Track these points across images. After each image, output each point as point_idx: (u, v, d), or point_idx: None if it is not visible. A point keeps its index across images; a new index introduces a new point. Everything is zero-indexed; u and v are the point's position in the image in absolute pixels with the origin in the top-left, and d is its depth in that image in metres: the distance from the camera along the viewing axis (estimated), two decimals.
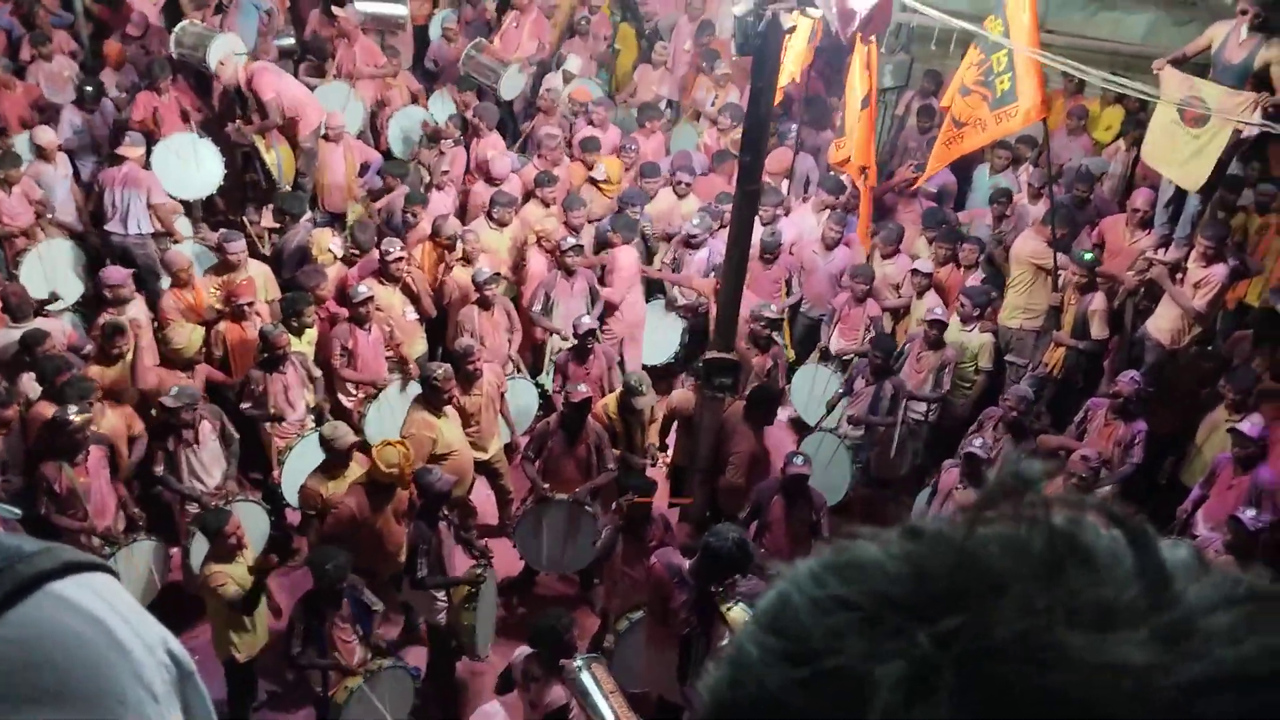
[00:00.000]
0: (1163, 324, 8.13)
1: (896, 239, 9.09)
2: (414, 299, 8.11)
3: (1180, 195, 8.31)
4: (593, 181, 9.70)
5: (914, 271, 8.73)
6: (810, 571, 0.57)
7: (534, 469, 6.97)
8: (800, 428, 8.24)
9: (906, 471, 8.17)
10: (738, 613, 4.86)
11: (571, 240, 8.40)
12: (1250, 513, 6.36)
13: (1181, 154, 7.62)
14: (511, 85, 10.97)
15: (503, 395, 7.57)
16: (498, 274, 8.16)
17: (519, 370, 8.29)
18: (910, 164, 9.96)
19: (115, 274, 7.48)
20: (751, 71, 6.41)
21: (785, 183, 9.93)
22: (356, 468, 6.47)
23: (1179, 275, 8.05)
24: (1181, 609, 0.52)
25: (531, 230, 8.94)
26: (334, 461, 6.43)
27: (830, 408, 7.86)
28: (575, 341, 7.77)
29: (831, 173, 9.53)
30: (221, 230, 8.49)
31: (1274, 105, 7.17)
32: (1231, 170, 8.21)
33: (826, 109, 10.89)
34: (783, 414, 8.82)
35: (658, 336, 9.07)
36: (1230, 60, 7.54)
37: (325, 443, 6.45)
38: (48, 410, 6.22)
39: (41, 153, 8.75)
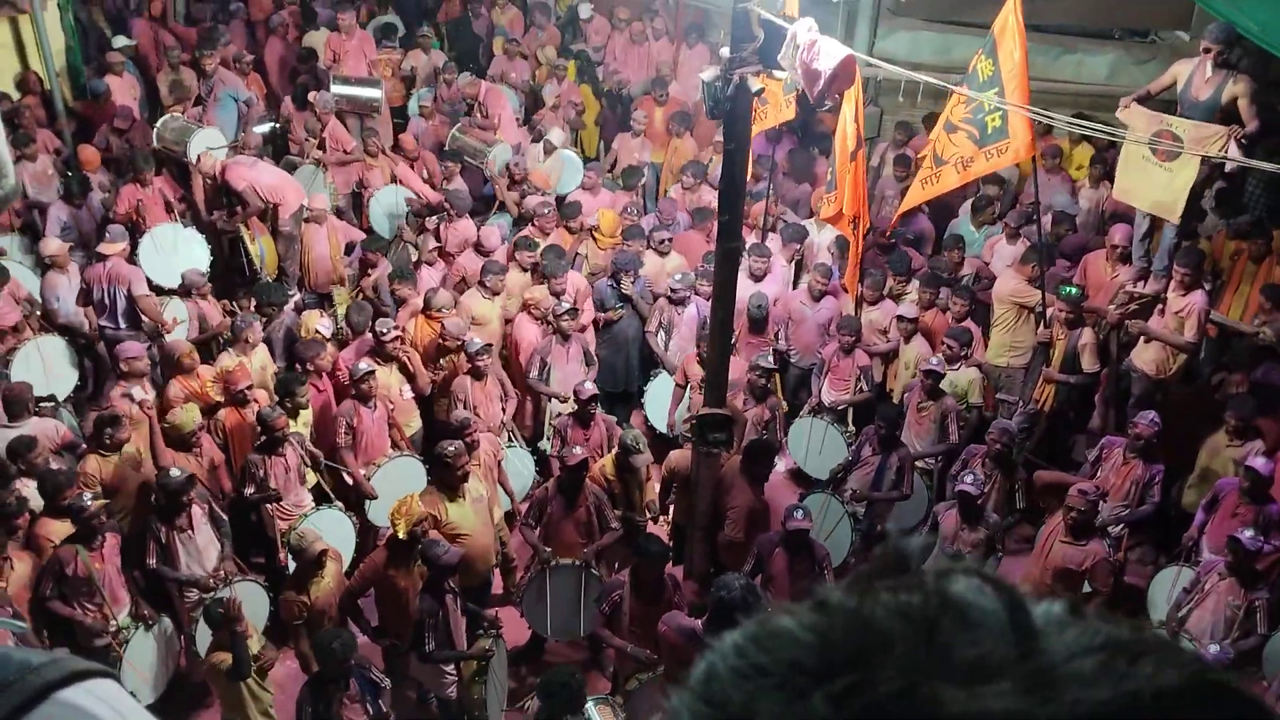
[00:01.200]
0: (1147, 355, 8.25)
1: (881, 285, 9.23)
2: (409, 377, 8.16)
3: (1154, 228, 8.48)
4: (587, 230, 9.81)
5: (899, 317, 8.86)
6: (734, 643, 0.63)
7: (535, 535, 6.98)
8: (799, 478, 8.27)
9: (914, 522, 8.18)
10: None
11: (566, 304, 8.49)
12: (1248, 533, 6.43)
13: (1156, 188, 7.77)
14: (499, 162, 11.18)
15: (500, 464, 7.60)
16: (488, 345, 8.24)
17: (513, 438, 8.33)
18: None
19: (132, 348, 7.58)
20: (724, 134, 6.57)
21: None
22: (333, 566, 6.44)
23: (1160, 307, 8.18)
24: (1045, 658, 0.58)
25: (517, 298, 9.04)
26: (305, 571, 6.33)
27: (835, 475, 7.86)
28: (576, 406, 7.81)
29: (791, 223, 9.72)
30: (239, 314, 8.57)
31: (1246, 137, 7.35)
32: (1203, 203, 8.39)
33: (808, 161, 11.10)
34: (781, 466, 8.89)
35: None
36: (1197, 97, 7.74)
37: (295, 553, 6.40)
38: (50, 529, 6.24)
39: (53, 262, 8.72)
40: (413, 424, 8.24)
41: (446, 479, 6.79)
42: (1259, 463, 7.04)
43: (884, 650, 0.58)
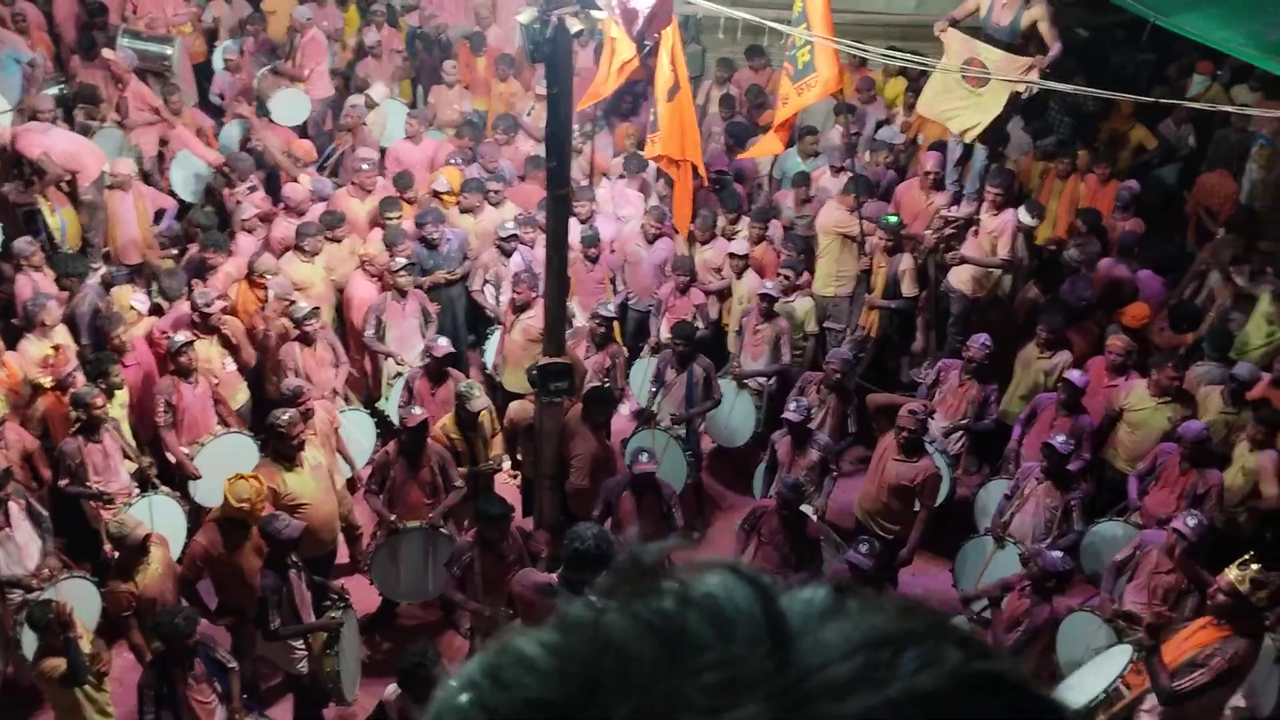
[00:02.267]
0: (964, 275, 8.64)
1: (712, 224, 9.33)
2: (232, 350, 7.78)
3: (968, 154, 8.83)
4: (436, 195, 9.50)
5: (731, 255, 8.99)
6: (469, 678, 0.57)
7: (379, 501, 6.84)
8: (644, 420, 8.34)
9: (747, 442, 8.40)
10: None
11: (402, 260, 8.24)
12: (1060, 438, 6.86)
13: (957, 106, 8.04)
14: (291, 108, 10.66)
15: (337, 431, 7.38)
16: (316, 308, 7.94)
17: (347, 402, 8.09)
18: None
19: None
20: (546, 78, 6.45)
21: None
22: (159, 551, 6.10)
23: (973, 229, 8.57)
24: (797, 669, 0.52)
25: (354, 256, 8.73)
26: (129, 559, 5.97)
27: (651, 401, 7.96)
28: (430, 362, 7.60)
29: (632, 153, 9.70)
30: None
31: (1051, 64, 7.67)
32: (1009, 126, 8.78)
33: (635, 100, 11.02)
34: (626, 409, 8.97)
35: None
36: (999, 22, 8.03)
37: (115, 542, 6.04)
38: None
39: None
40: (239, 397, 7.86)
41: (282, 449, 6.55)
42: (1074, 375, 7.49)
43: (622, 676, 0.53)
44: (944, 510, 7.57)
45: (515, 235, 8.86)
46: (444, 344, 7.64)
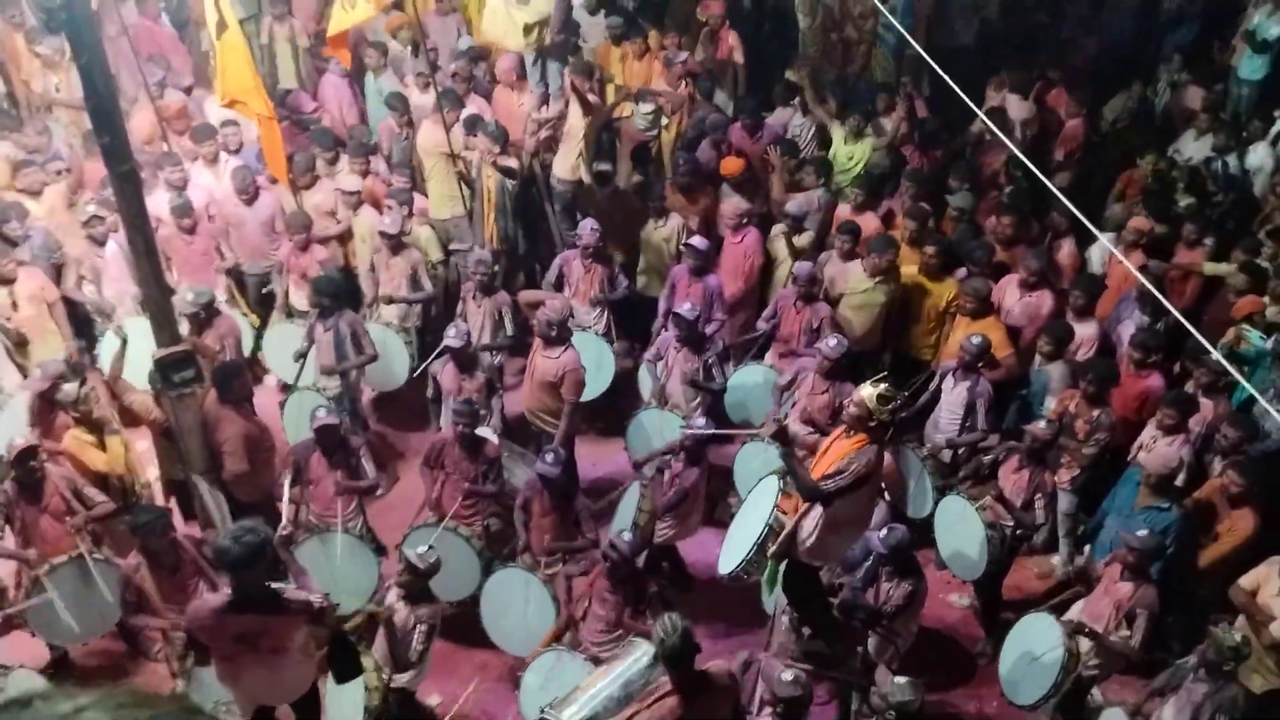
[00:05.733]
0: (566, 163, 8.95)
1: (310, 166, 8.90)
2: None
3: (543, 56, 8.98)
4: None
5: (342, 192, 8.66)
6: None
7: (7, 545, 6.13)
8: (288, 389, 7.95)
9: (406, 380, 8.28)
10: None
11: None
12: (686, 305, 7.33)
13: (506, 25, 8.34)
14: None
15: None
16: None
17: None
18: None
19: None
20: (71, 47, 5.77)
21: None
22: None
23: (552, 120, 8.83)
24: None
25: None
26: None
27: (299, 362, 7.63)
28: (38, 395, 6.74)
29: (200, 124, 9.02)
30: None
31: None
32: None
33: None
34: (271, 381, 8.52)
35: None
36: None
37: None
38: None
39: None
40: None
41: None
42: (696, 240, 7.94)
43: None
44: (613, 387, 7.91)
45: (98, 216, 8.00)
46: (42, 374, 6.79)
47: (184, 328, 6.95)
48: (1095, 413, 6.93)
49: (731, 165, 8.86)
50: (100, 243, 8.09)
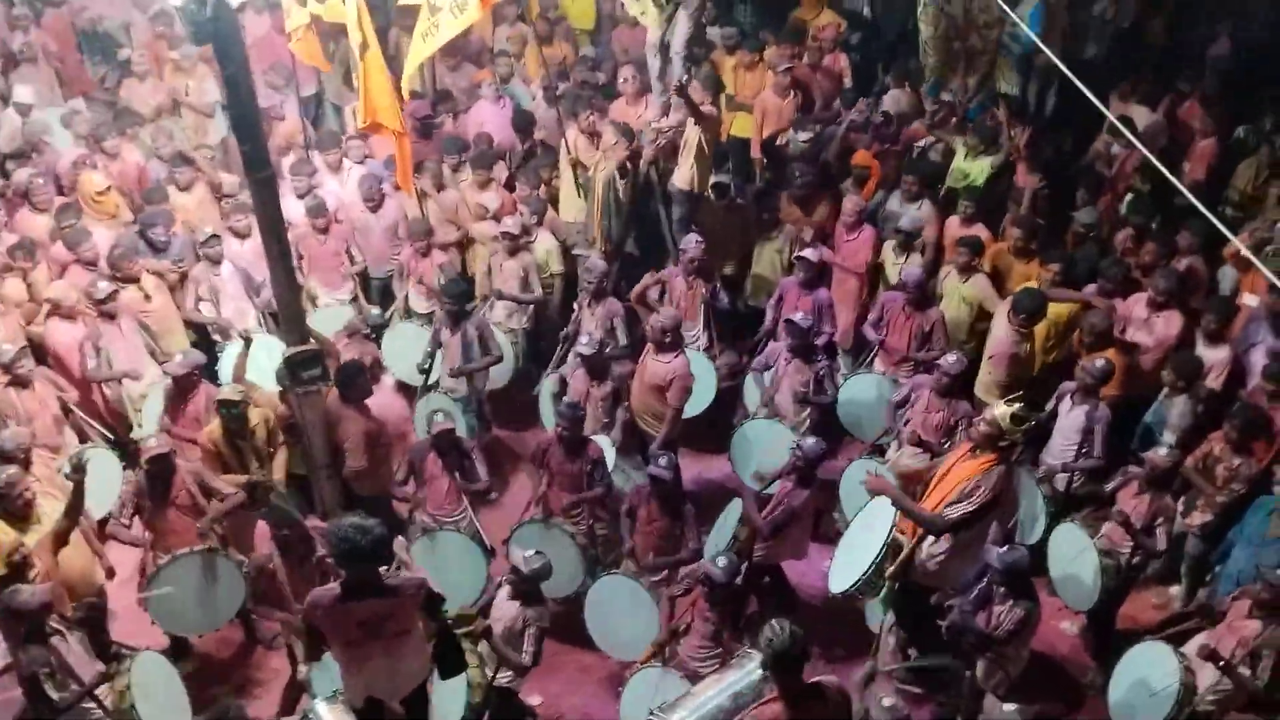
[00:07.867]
0: (683, 174, 8.95)
1: (438, 174, 9.18)
2: None
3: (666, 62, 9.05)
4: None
5: (479, 205, 8.96)
6: None
7: (131, 533, 6.45)
8: (405, 390, 8.17)
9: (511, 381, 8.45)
10: None
11: (104, 285, 7.61)
12: (799, 315, 7.27)
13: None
14: None
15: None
16: (24, 347, 7.30)
17: (83, 439, 7.48)
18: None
19: None
20: (218, 59, 6.07)
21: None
22: None
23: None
24: None
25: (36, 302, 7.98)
26: None
27: (426, 368, 7.83)
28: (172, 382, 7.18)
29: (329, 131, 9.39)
30: None
31: None
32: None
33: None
34: (388, 380, 8.75)
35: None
36: None
37: None
38: None
39: None
40: None
41: (9, 510, 6.01)
42: (809, 253, 7.91)
43: None
44: (717, 401, 7.89)
45: (215, 236, 8.30)
46: (182, 360, 7.21)
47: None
48: (1238, 462, 6.65)
49: (863, 158, 8.98)
50: (216, 262, 8.29)
